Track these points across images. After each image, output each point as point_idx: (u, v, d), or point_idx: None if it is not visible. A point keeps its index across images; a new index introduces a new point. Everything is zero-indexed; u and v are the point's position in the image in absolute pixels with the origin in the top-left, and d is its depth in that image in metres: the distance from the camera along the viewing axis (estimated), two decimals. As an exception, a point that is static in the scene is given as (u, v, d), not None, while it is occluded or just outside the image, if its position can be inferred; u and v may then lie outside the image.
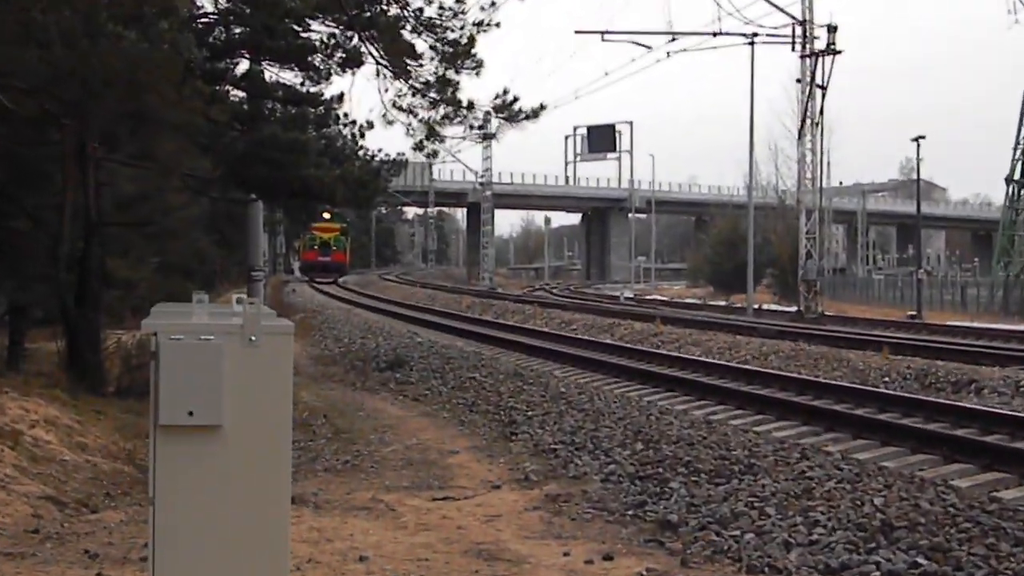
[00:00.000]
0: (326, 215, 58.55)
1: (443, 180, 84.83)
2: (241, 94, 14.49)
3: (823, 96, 33.10)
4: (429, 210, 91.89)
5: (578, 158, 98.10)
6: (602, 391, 12.90)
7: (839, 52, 32.57)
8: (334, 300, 42.25)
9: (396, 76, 14.40)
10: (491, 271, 66.45)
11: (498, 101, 14.92)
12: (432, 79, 14.40)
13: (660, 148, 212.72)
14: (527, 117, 15.00)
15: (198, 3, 13.37)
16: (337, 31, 13.75)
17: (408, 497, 7.12)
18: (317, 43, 13.66)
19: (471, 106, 14.89)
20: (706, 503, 6.67)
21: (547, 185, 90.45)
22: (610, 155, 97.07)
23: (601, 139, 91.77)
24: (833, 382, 13.37)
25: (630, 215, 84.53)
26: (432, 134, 15.28)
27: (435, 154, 16.00)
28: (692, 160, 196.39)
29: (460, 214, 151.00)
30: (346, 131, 15.89)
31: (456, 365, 15.61)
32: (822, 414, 10.94)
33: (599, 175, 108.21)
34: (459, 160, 66.13)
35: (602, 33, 34.12)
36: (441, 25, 13.94)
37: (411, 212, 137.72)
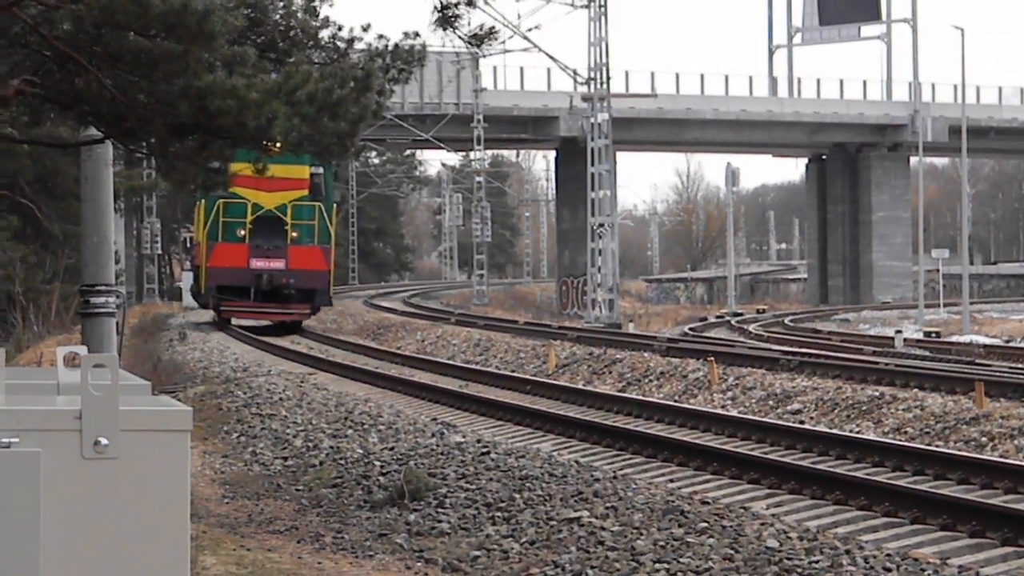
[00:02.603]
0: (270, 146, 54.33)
1: (504, 92, 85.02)
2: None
3: None
4: (476, 156, 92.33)
5: (797, 38, 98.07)
6: (860, 547, 12.79)
7: None
8: (271, 355, 42.71)
9: None
10: (613, 286, 65.58)
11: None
12: None
13: (974, 15, 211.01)
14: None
15: None
16: None
17: None
18: None
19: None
20: None
21: (730, 96, 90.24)
22: (866, 29, 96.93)
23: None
24: None
25: (913, 159, 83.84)
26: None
27: (488, 35, 16.03)
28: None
29: (542, 164, 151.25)
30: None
31: (538, 493, 15.68)
32: None
33: (842, 75, 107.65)
34: (535, 45, 66.29)
35: None
36: None
37: (434, 164, 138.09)
